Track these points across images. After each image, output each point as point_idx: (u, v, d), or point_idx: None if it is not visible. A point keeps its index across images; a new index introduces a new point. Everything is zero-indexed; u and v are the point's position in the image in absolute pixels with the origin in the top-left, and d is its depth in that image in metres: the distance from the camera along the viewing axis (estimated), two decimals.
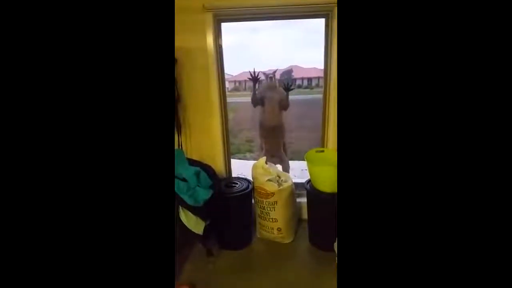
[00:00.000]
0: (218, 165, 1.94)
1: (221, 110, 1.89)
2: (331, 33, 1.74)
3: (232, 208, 1.68)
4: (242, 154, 4.22)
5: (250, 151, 4.29)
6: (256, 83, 2.07)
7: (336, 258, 1.35)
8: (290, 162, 2.28)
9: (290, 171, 2.19)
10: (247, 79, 2.12)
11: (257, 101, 2.11)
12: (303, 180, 1.83)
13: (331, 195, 1.57)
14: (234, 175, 2.11)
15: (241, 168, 2.72)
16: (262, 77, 2.12)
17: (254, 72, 2.05)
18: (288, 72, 2.73)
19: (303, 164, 1.95)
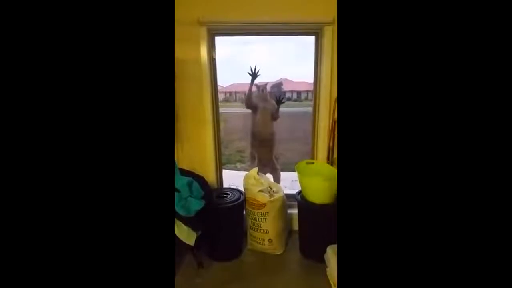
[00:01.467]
0: (210, 176, 1.95)
1: (214, 121, 1.92)
2: (320, 50, 1.83)
3: (224, 219, 1.67)
4: (232, 164, 4.22)
5: (241, 161, 4.30)
6: (255, 78, 2.05)
7: (327, 269, 1.37)
8: (281, 173, 2.31)
9: (281, 182, 2.22)
10: (248, 73, 2.07)
11: (251, 104, 2.11)
12: (294, 191, 1.85)
13: (321, 206, 1.60)
14: (225, 185, 2.11)
15: (231, 178, 2.72)
16: (254, 88, 2.17)
17: (255, 69, 2.03)
18: (278, 85, 2.80)
19: (293, 175, 1.98)
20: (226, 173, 2.52)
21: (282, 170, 2.34)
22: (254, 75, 2.07)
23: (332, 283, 1.32)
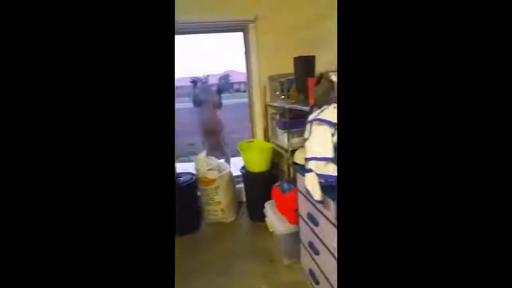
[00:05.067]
0: None
1: None
2: (248, 44, 2.14)
3: (180, 198, 1.91)
4: (185, 157, 4.37)
5: (193, 153, 4.47)
6: (196, 84, 2.47)
7: (266, 218, 1.74)
8: (232, 159, 2.62)
9: (233, 166, 2.53)
10: (190, 82, 2.48)
11: (197, 102, 2.46)
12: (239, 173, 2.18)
13: (259, 173, 1.97)
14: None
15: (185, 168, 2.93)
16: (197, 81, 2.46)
17: (195, 77, 2.48)
18: (225, 76, 3.14)
19: (239, 160, 2.31)
20: (181, 166, 2.71)
21: (233, 156, 2.65)
22: (194, 82, 2.41)
23: (269, 227, 1.71)
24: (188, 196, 1.96)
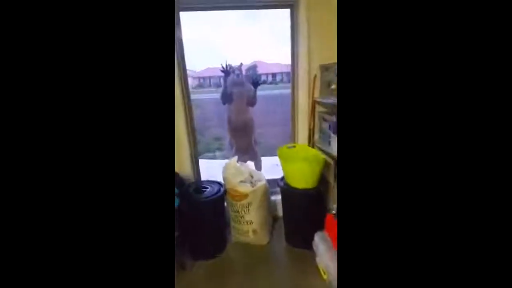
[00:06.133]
0: (185, 168, 1.79)
1: (185, 108, 1.74)
2: (296, 24, 1.68)
3: (204, 215, 1.55)
4: (211, 153, 4.06)
5: (220, 149, 4.15)
6: (228, 76, 1.94)
7: (317, 258, 1.31)
8: (262, 158, 2.22)
9: (262, 167, 2.13)
10: (220, 71, 1.97)
11: (227, 98, 1.97)
12: (276, 176, 1.77)
13: (305, 191, 1.53)
14: (204, 177, 1.97)
15: (211, 168, 2.58)
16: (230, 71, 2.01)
17: (227, 65, 1.92)
18: (253, 67, 2.66)
19: (274, 159, 1.89)
20: (205, 163, 2.37)
21: (262, 155, 2.24)
22: (226, 72, 1.91)
23: (322, 271, 1.28)
24: (214, 213, 1.59)
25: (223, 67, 1.93)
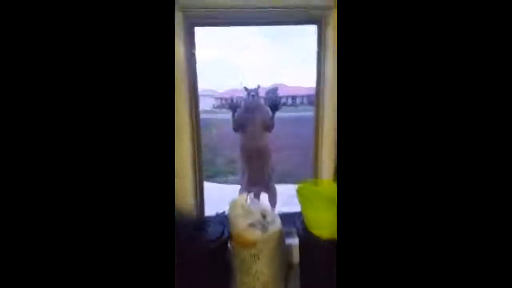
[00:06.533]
0: (187, 199, 1.54)
1: (192, 133, 1.52)
2: (324, 42, 1.46)
3: (202, 263, 1.26)
4: (223, 177, 3.82)
5: (232, 173, 3.90)
6: (235, 111, 1.79)
7: None
8: (277, 186, 1.92)
9: (278, 198, 1.84)
10: (228, 105, 1.86)
11: (238, 127, 1.80)
12: (291, 210, 1.46)
13: (330, 242, 1.21)
14: (210, 205, 1.70)
15: (221, 195, 2.31)
16: (243, 94, 1.82)
17: (232, 100, 1.83)
18: (274, 90, 2.47)
19: (290, 188, 1.60)
20: (215, 187, 2.13)
21: (278, 182, 1.95)
22: (234, 107, 1.75)
23: None
24: (214, 261, 1.30)
25: (231, 100, 1.79)
